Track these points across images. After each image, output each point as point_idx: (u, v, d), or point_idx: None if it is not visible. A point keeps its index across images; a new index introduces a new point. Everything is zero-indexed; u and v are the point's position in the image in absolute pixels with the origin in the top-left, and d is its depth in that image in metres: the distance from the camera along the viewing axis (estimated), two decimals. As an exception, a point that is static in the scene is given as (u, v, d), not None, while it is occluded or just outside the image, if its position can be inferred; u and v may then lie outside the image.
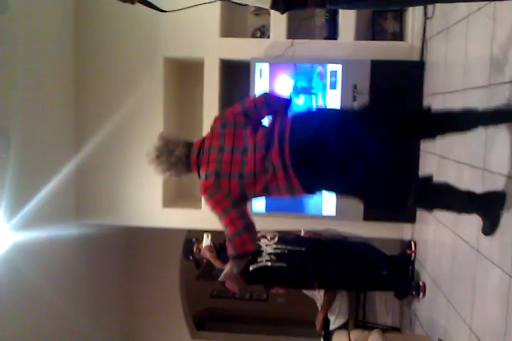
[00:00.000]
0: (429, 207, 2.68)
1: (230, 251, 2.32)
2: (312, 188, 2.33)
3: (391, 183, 2.24)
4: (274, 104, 2.41)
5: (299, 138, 2.20)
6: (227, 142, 2.33)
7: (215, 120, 2.46)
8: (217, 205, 2.31)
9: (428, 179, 2.45)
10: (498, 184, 2.28)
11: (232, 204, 2.29)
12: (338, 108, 2.80)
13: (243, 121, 2.36)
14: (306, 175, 2.23)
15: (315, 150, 2.18)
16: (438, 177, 3.24)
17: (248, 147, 2.29)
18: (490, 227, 2.31)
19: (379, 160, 2.17)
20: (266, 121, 2.43)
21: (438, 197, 2.36)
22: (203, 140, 2.42)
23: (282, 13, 1.88)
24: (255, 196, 2.39)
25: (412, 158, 2.47)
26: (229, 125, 2.36)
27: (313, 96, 4.01)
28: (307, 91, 4.01)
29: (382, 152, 2.17)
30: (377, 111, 2.41)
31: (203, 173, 2.36)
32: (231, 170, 2.28)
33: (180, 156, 2.39)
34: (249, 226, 2.30)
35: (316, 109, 2.50)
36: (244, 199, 2.36)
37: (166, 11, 2.20)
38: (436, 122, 2.35)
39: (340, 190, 2.49)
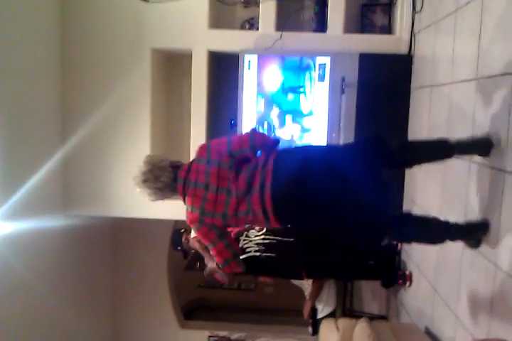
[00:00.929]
0: (407, 241, 2.76)
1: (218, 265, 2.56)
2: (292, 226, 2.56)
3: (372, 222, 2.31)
4: (260, 147, 2.42)
5: (281, 188, 2.26)
6: (212, 181, 2.37)
7: (201, 150, 2.48)
8: (204, 237, 2.47)
9: (407, 216, 2.52)
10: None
11: (217, 236, 2.44)
12: (321, 146, 2.83)
13: (228, 161, 2.37)
14: (287, 220, 2.42)
15: (296, 199, 2.27)
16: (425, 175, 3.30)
17: (231, 191, 2.35)
18: (473, 247, 2.38)
19: (362, 202, 2.24)
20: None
21: (417, 234, 2.41)
22: (189, 170, 2.43)
23: None
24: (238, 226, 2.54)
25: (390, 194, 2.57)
26: (213, 162, 2.38)
27: (302, 95, 4.04)
28: (295, 90, 4.03)
29: (364, 193, 2.24)
30: (362, 148, 2.45)
31: (188, 205, 2.44)
32: (214, 210, 2.37)
33: (166, 182, 2.43)
34: (236, 255, 2.54)
35: (298, 149, 2.49)
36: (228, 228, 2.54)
37: (148, 1, 2.20)
38: (412, 156, 2.40)
39: (322, 230, 2.65)
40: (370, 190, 2.25)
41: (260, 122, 4.09)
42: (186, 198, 2.43)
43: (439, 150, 2.36)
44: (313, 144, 2.71)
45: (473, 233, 2.31)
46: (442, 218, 2.36)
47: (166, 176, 2.43)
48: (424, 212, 3.16)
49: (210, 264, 3.13)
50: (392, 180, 2.59)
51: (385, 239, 2.42)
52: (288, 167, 2.29)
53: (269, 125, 4.09)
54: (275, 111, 4.08)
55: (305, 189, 2.24)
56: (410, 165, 2.60)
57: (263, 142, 2.43)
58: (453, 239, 2.37)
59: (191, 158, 4.21)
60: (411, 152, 2.39)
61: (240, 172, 2.35)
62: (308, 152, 2.42)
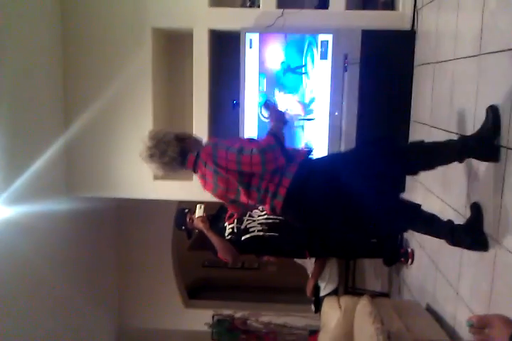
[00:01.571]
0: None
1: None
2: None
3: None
4: (269, 166, 2.33)
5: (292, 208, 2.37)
6: (220, 185, 2.44)
7: (208, 156, 2.41)
8: (217, 197, 2.63)
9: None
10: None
11: (231, 200, 2.60)
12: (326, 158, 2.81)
13: (235, 177, 2.37)
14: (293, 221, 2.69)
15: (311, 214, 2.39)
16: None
17: (240, 195, 2.46)
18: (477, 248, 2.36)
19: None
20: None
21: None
22: (196, 163, 2.47)
23: None
24: None
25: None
26: (221, 175, 2.39)
27: (304, 76, 4.00)
28: (296, 70, 3.99)
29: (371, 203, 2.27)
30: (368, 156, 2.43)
31: (201, 184, 2.57)
32: (227, 195, 2.50)
33: (173, 155, 2.43)
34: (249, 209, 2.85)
35: (309, 167, 2.47)
36: None
37: None
38: (420, 162, 2.39)
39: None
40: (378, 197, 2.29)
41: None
42: (197, 177, 2.55)
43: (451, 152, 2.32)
44: (325, 158, 2.71)
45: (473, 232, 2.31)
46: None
47: (172, 150, 2.42)
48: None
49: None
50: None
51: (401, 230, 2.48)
52: (302, 190, 2.33)
53: (272, 104, 4.07)
54: (277, 91, 4.05)
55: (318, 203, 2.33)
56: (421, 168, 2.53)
57: (275, 167, 2.35)
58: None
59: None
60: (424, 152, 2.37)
61: (252, 187, 2.39)
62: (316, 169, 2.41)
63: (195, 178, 4.31)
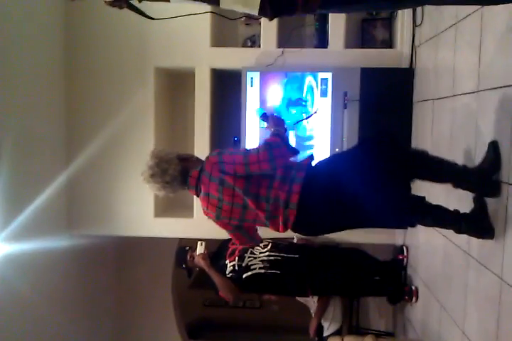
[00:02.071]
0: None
1: None
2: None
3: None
4: (279, 161, 2.31)
5: (306, 218, 2.29)
6: (226, 198, 2.35)
7: (213, 165, 2.36)
8: (221, 226, 2.54)
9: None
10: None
11: (234, 228, 2.52)
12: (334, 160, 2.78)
13: (242, 186, 2.29)
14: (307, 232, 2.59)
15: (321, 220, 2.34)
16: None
17: (248, 207, 2.34)
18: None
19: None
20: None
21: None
22: (199, 178, 2.40)
23: (270, 19, 1.80)
24: None
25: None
26: (227, 185, 2.31)
27: (304, 114, 4.04)
28: (298, 103, 4.04)
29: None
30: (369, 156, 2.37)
31: (203, 206, 2.47)
32: (231, 217, 2.40)
33: (174, 174, 2.39)
34: (253, 239, 2.64)
35: (317, 166, 2.45)
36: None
37: (154, 19, 2.22)
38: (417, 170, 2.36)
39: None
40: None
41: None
42: (200, 199, 2.45)
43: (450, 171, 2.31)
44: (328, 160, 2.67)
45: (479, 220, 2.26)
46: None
47: (173, 169, 2.38)
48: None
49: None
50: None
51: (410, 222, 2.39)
52: (313, 204, 2.28)
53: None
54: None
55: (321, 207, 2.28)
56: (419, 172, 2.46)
57: (284, 160, 2.35)
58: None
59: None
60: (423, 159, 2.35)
61: (260, 198, 2.30)
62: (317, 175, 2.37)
63: (196, 216, 4.33)
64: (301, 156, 2.50)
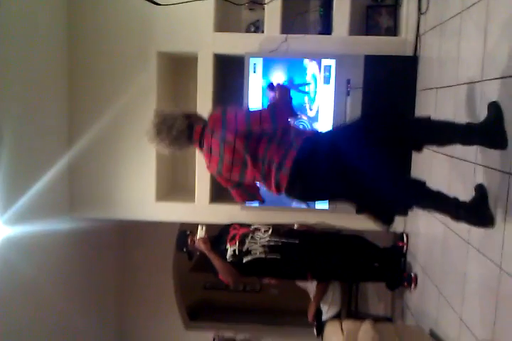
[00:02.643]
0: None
1: None
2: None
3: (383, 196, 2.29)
4: (281, 122, 2.37)
5: (302, 173, 2.26)
6: (226, 156, 2.37)
7: (215, 123, 2.40)
8: (222, 182, 2.52)
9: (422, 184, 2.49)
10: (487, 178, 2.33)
11: (234, 185, 2.50)
12: (336, 131, 2.77)
13: (242, 143, 2.32)
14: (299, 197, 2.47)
15: (313, 180, 2.28)
16: (428, 171, 3.30)
17: (248, 167, 2.36)
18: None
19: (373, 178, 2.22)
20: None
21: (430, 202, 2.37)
22: (202, 134, 2.43)
23: None
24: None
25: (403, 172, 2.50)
26: (228, 142, 2.33)
27: (306, 96, 4.04)
28: (299, 88, 4.03)
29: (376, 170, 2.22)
30: (371, 127, 2.36)
31: (205, 160, 2.48)
32: (231, 175, 2.42)
33: (181, 128, 2.40)
34: (253, 196, 2.59)
35: (318, 136, 2.44)
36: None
37: (160, 4, 2.21)
38: (426, 136, 2.34)
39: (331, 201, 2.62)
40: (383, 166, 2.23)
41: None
42: (202, 153, 2.47)
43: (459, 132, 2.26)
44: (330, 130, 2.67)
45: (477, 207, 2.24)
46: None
47: (179, 124, 2.40)
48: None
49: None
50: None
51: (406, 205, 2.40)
52: (306, 169, 2.27)
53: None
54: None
55: (320, 171, 2.24)
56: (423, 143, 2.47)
57: (286, 121, 2.40)
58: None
59: (196, 166, 4.27)
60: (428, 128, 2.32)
61: (257, 158, 2.32)
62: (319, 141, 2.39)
63: (198, 201, 4.36)
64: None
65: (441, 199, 2.30)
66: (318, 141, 2.36)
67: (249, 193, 2.57)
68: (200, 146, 2.46)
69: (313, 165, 2.25)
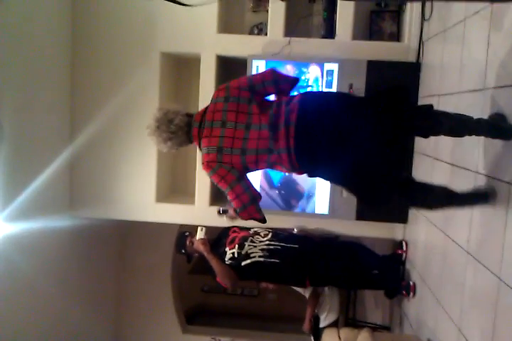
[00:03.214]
0: (413, 203, 2.66)
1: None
2: (310, 172, 2.37)
3: (380, 177, 2.26)
4: (282, 82, 2.38)
5: (305, 124, 2.18)
6: (229, 117, 2.30)
7: (219, 91, 2.39)
8: (221, 180, 2.33)
9: (411, 179, 2.46)
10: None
11: (236, 178, 2.32)
12: (344, 94, 2.73)
13: (247, 96, 2.32)
14: (306, 159, 2.25)
15: (318, 137, 2.18)
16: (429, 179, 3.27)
17: (252, 124, 2.27)
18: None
19: (374, 152, 2.18)
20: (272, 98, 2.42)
21: (421, 195, 2.36)
22: (204, 112, 2.39)
23: None
24: (258, 170, 2.44)
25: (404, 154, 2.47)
26: (232, 99, 2.32)
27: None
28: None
29: (379, 147, 2.18)
30: (380, 101, 2.32)
31: (204, 148, 2.36)
32: (233, 146, 2.28)
33: (180, 124, 2.37)
34: (255, 199, 2.36)
35: (324, 92, 2.42)
36: (247, 172, 2.39)
37: (187, 5, 2.18)
38: (435, 124, 2.27)
39: (333, 178, 2.50)
40: (386, 144, 2.20)
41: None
42: (202, 141, 2.36)
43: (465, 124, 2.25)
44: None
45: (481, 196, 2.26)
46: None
47: (179, 119, 2.38)
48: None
49: (231, 211, 2.96)
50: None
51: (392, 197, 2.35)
52: (313, 105, 2.22)
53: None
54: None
55: (327, 128, 2.16)
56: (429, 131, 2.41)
57: (285, 77, 2.41)
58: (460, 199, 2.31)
59: (197, 165, 4.25)
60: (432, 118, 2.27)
61: (263, 107, 2.29)
62: (332, 96, 2.40)
63: (198, 203, 4.34)
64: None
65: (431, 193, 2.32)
66: (322, 97, 2.36)
67: (249, 190, 2.36)
68: (200, 129, 2.38)
69: (316, 121, 2.20)
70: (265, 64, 4.01)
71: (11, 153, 3.50)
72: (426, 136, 2.48)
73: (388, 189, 2.32)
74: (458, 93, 2.83)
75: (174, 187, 4.90)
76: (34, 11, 3.77)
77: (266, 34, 4.24)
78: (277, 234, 3.87)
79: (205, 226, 3.91)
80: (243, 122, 2.28)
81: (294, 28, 4.25)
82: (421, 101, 3.73)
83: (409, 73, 3.82)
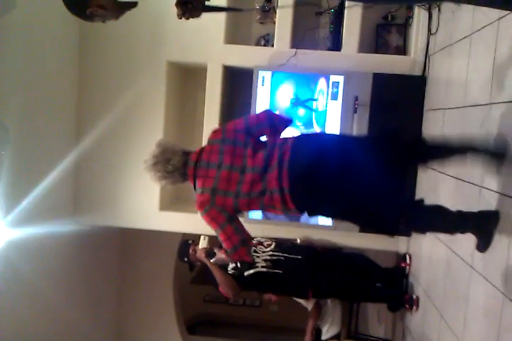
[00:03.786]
0: (421, 229, 2.66)
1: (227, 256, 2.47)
2: (308, 211, 2.39)
3: (383, 209, 2.28)
4: (277, 123, 2.47)
5: (298, 164, 2.23)
6: (226, 159, 2.35)
7: (215, 133, 2.48)
8: (212, 221, 2.37)
9: (419, 202, 2.46)
10: (492, 202, 2.30)
11: (227, 219, 2.35)
12: (338, 134, 2.88)
13: (243, 139, 2.39)
14: (302, 200, 2.30)
15: (313, 178, 2.22)
16: (434, 193, 3.27)
17: (246, 167, 2.32)
18: (483, 245, 2.32)
19: (374, 186, 2.22)
20: (265, 139, 2.47)
21: (430, 219, 2.37)
22: (201, 152, 2.44)
23: None
24: (250, 211, 2.48)
25: (405, 184, 2.51)
26: (229, 141, 2.38)
27: (313, 113, 4.03)
28: (306, 104, 4.02)
29: (378, 179, 2.20)
30: (376, 139, 2.43)
31: (199, 188, 2.40)
32: (228, 188, 2.33)
33: (176, 165, 2.42)
34: (245, 241, 2.40)
35: (317, 133, 2.54)
36: (238, 213, 2.44)
37: (242, 10, 2.23)
38: (431, 152, 2.38)
39: (334, 215, 2.57)
40: (384, 176, 2.21)
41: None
42: (197, 180, 2.40)
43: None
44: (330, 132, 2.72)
45: (486, 221, 2.25)
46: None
47: (176, 160, 2.42)
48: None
49: (219, 255, 3.11)
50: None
51: (399, 225, 2.35)
52: (307, 146, 2.29)
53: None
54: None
55: (322, 168, 2.21)
56: (425, 160, 2.52)
57: (279, 118, 2.51)
58: (465, 227, 2.31)
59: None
60: (426, 148, 2.36)
61: (258, 151, 2.34)
62: (325, 136, 2.53)
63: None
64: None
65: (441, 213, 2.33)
66: (317, 140, 2.42)
67: (239, 231, 2.39)
68: (195, 168, 2.41)
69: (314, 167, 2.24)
70: (271, 75, 4.02)
71: (16, 157, 3.50)
72: (425, 162, 2.55)
73: (394, 215, 2.33)
74: (463, 107, 2.84)
75: (178, 195, 4.90)
76: (42, 18, 3.79)
77: (272, 45, 4.25)
78: (280, 244, 3.87)
79: (208, 236, 3.91)
80: (238, 165, 2.34)
81: (300, 39, 4.26)
82: (426, 115, 3.74)
83: (414, 86, 3.83)
